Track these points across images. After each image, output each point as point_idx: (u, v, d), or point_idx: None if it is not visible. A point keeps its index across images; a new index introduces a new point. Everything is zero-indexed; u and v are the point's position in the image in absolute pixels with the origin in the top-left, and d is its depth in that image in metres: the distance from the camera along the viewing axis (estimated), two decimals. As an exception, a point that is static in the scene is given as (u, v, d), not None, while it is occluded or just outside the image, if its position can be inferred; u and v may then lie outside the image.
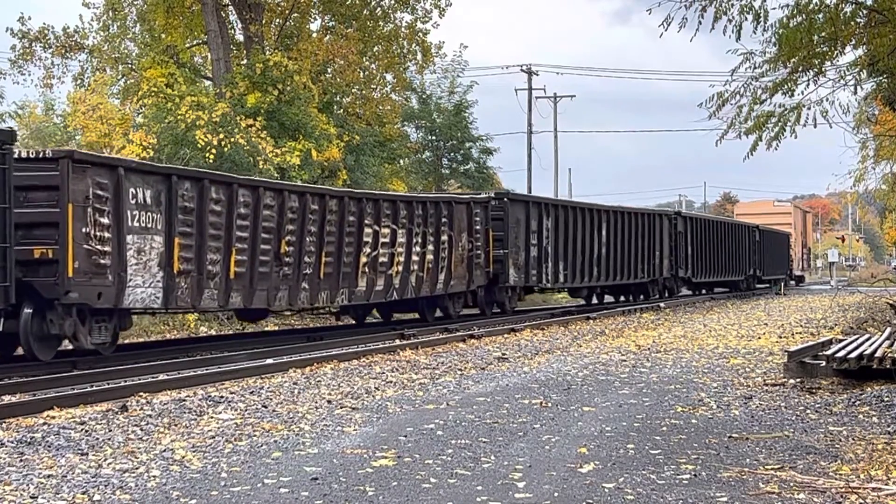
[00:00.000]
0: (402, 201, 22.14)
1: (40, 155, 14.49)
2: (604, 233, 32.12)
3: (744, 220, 57.57)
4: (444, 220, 23.45)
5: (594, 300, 34.62)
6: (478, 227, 25.07)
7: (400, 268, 21.79)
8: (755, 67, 13.59)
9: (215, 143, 26.53)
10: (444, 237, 23.41)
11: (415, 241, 22.27)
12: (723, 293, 45.04)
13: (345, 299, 20.04)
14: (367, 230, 20.60)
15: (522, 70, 56.85)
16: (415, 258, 22.29)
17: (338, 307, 20.95)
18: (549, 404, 11.19)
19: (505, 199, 26.41)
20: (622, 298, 36.48)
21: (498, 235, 25.93)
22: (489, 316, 25.74)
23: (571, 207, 30.75)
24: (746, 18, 12.70)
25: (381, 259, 21.11)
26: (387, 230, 21.29)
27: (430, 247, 22.86)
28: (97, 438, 8.96)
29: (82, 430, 9.38)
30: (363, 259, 20.44)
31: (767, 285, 54.07)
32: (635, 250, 34.58)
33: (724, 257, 44.51)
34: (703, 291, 45.21)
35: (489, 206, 25.79)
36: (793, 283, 60.72)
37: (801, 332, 21.44)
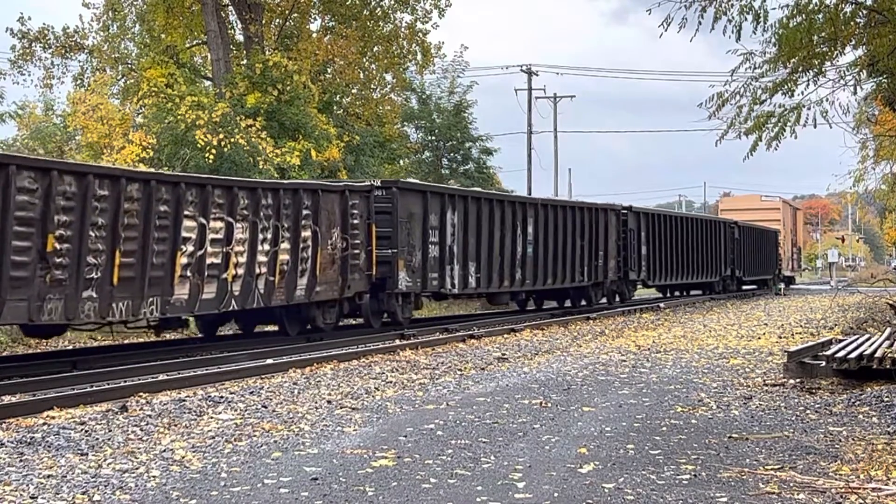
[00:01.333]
0: (243, 188, 17.65)
1: None
2: (530, 229, 27.44)
3: (729, 216, 52.38)
4: (305, 212, 18.93)
5: (531, 305, 31.00)
6: (356, 222, 20.54)
7: (240, 271, 17.25)
8: (755, 67, 13.60)
9: (215, 143, 26.54)
10: (307, 233, 18.95)
11: (262, 237, 17.77)
12: (696, 295, 42.32)
13: (155, 311, 15.67)
14: (189, 223, 16.18)
15: (522, 70, 56.87)
16: (262, 259, 17.72)
17: (155, 320, 16.29)
18: (549, 404, 11.19)
19: (394, 189, 21.92)
20: (568, 304, 31.88)
21: (384, 232, 21.51)
22: (378, 328, 21.72)
23: (486, 199, 25.96)
24: (746, 18, 12.71)
25: (212, 260, 16.68)
26: (219, 224, 16.83)
27: (286, 245, 18.37)
28: (97, 438, 8.96)
29: (82, 430, 9.38)
30: (182, 260, 16.05)
31: (755, 287, 51.35)
32: (572, 250, 29.78)
33: (691, 257, 40.11)
34: (678, 294, 42.45)
35: (371, 196, 21.25)
36: (781, 285, 56.35)
37: (801, 333, 21.44)
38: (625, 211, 34.13)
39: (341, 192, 20.29)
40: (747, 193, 66.19)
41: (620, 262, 33.20)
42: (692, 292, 43.80)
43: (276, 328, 23.46)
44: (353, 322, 23.19)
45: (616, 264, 32.79)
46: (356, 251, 20.53)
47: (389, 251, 21.56)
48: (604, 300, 32.73)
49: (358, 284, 20.72)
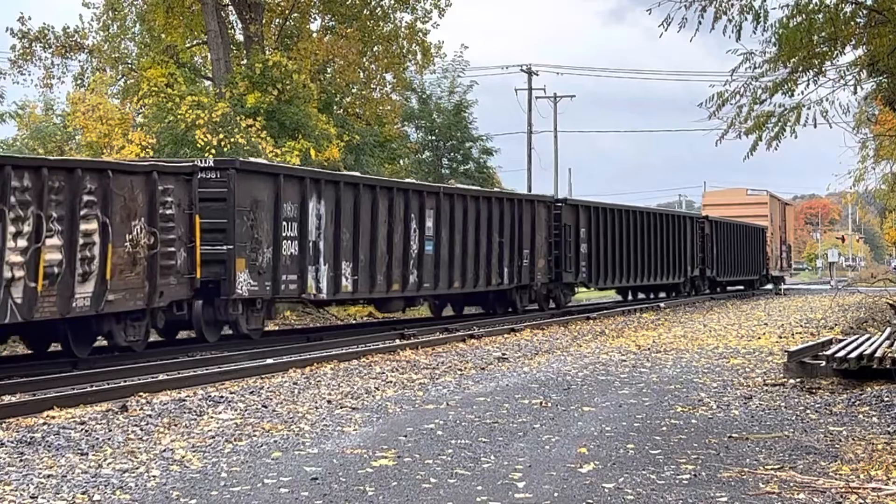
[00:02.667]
0: None
1: None
2: (430, 223, 23.25)
3: (712, 211, 47.59)
4: (88, 198, 14.68)
5: (448, 311, 27.64)
6: (171, 212, 16.37)
7: None
8: (755, 67, 13.61)
9: (215, 143, 26.54)
10: (90, 226, 14.72)
11: (14, 231, 13.46)
12: (656, 298, 38.04)
13: None
14: None
15: (522, 70, 56.90)
16: (14, 259, 13.41)
17: None
18: (549, 404, 11.19)
19: (231, 171, 17.66)
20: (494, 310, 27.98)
21: (216, 224, 17.39)
22: (214, 342, 18.18)
23: (367, 186, 21.38)
24: (746, 18, 12.73)
25: None
26: None
27: (55, 240, 14.08)
28: (97, 438, 8.96)
29: (82, 430, 9.38)
30: None
31: (742, 288, 47.86)
32: (488, 247, 25.66)
33: (647, 256, 35.27)
34: (641, 295, 38.55)
35: (194, 179, 17.05)
36: (769, 286, 52.53)
37: (801, 332, 21.43)
38: (558, 203, 30.31)
39: (146, 174, 15.97)
40: (734, 187, 57.87)
41: (551, 262, 29.01)
42: (660, 294, 39.62)
43: (274, 327, 23.34)
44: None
45: (546, 264, 28.73)
46: (170, 249, 16.38)
47: (224, 248, 17.51)
48: (533, 305, 29.07)
49: (174, 291, 16.50)
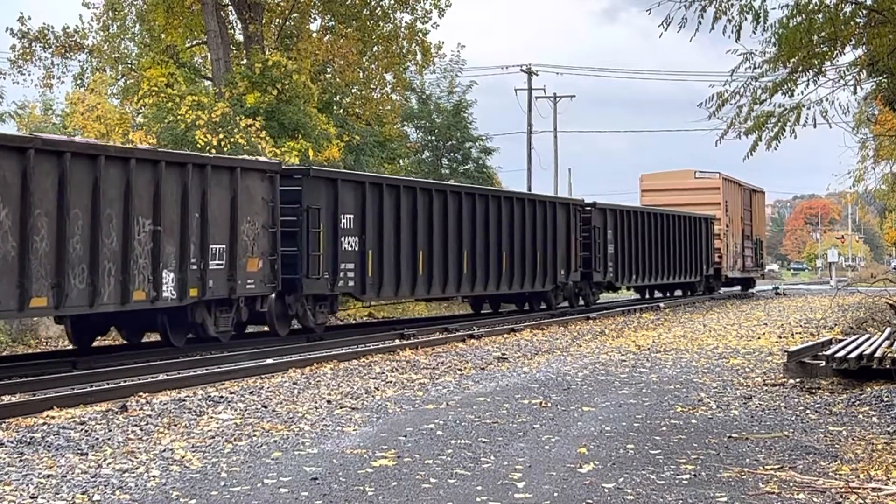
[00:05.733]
0: None
1: None
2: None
3: (651, 198, 41.22)
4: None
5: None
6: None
7: None
8: (755, 67, 13.60)
9: (215, 143, 26.54)
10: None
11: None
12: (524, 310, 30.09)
13: None
14: None
15: (522, 70, 56.88)
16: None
17: None
18: (549, 404, 11.19)
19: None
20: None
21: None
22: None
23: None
24: (746, 18, 12.71)
25: None
26: None
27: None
28: (97, 438, 8.96)
29: (82, 430, 9.38)
30: None
31: (665, 295, 39.06)
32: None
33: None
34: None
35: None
36: (722, 289, 43.82)
37: (800, 332, 21.44)
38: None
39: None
40: (681, 168, 44.24)
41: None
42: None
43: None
44: (353, 322, 22.88)
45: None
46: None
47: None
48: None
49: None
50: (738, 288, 46.82)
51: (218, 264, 16.70)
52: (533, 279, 27.09)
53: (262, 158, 20.03)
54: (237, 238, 17.01)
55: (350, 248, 20.08)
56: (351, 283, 20.15)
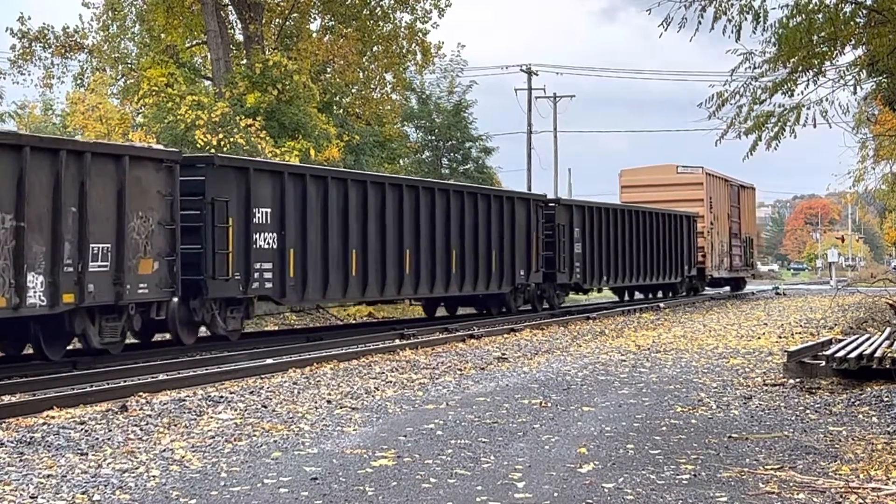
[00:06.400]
0: None
1: None
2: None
3: (630, 194, 39.28)
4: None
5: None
6: None
7: None
8: (755, 67, 13.59)
9: (215, 143, 26.54)
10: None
11: None
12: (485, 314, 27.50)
13: None
14: None
15: (522, 70, 56.89)
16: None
17: None
18: (549, 404, 11.19)
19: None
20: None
21: None
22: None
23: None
24: (746, 18, 12.70)
25: None
26: None
27: None
28: (97, 438, 8.96)
29: (82, 430, 9.38)
30: None
31: (647, 296, 36.94)
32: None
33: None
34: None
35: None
36: (707, 290, 41.76)
37: (800, 332, 21.44)
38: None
39: None
40: (663, 163, 41.31)
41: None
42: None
43: (273, 327, 23.31)
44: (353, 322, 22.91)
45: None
46: None
47: None
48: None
49: None
50: (728, 288, 45.25)
51: (101, 266, 14.54)
52: (488, 280, 25.05)
53: (156, 146, 17.72)
54: (125, 236, 14.89)
55: (266, 246, 18.18)
56: (268, 285, 18.27)
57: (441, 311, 27.58)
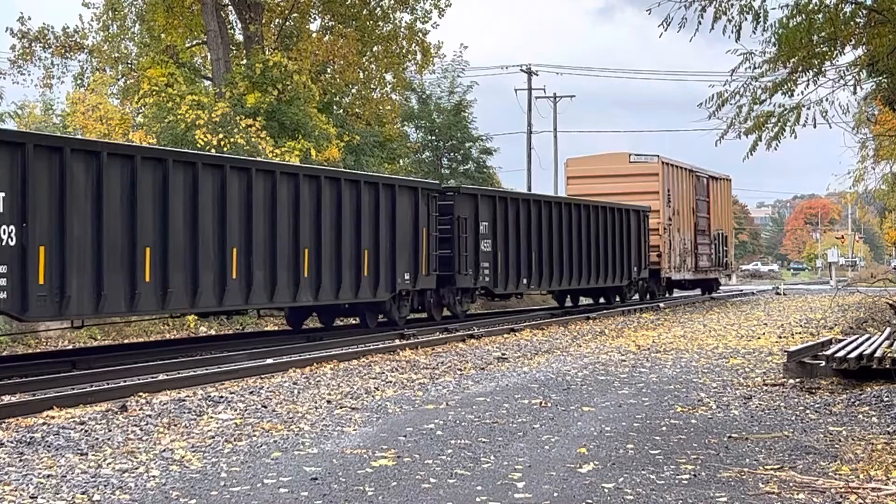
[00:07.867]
0: None
1: None
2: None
3: (578, 186, 35.00)
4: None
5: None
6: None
7: None
8: (755, 67, 13.60)
9: (215, 142, 26.55)
10: None
11: None
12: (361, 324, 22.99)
13: None
14: None
15: (522, 70, 56.90)
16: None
17: None
18: (549, 404, 11.19)
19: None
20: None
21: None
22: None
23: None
24: (746, 18, 12.72)
25: None
26: None
27: None
28: (97, 438, 8.96)
29: (82, 430, 9.38)
30: None
31: (596, 301, 32.73)
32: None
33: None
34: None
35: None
36: (664, 293, 36.93)
37: (800, 332, 21.44)
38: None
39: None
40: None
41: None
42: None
43: (275, 328, 23.34)
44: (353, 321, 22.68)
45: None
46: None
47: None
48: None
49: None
50: (698, 291, 41.15)
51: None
52: (356, 288, 20.03)
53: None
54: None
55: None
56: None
57: (314, 322, 23.61)
